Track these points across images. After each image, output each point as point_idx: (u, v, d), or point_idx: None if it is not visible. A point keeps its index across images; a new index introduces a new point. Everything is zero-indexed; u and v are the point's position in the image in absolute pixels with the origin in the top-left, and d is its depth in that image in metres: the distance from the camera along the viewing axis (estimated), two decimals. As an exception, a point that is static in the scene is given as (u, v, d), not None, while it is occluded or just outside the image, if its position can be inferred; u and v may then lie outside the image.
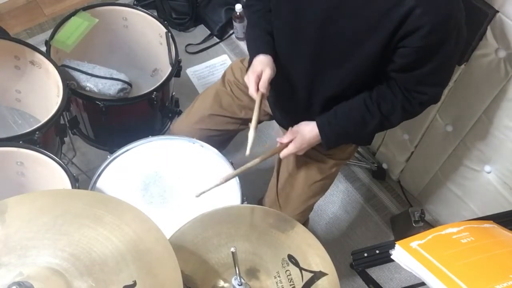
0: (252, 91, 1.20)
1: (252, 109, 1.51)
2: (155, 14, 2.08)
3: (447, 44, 1.04)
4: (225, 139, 1.61)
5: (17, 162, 1.38)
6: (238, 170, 1.22)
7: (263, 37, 1.27)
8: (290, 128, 1.29)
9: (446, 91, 1.54)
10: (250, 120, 1.54)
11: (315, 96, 1.25)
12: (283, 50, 1.25)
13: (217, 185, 1.17)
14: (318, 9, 1.10)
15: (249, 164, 1.21)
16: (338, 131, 1.24)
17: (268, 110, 1.48)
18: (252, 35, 1.32)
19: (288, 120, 1.38)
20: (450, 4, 1.01)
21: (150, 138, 1.42)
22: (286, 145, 1.25)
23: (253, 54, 1.25)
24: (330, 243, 1.89)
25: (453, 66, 1.15)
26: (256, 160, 1.21)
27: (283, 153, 1.25)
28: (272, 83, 1.20)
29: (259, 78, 1.19)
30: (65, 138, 1.61)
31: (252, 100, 1.50)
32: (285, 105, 1.37)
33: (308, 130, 1.25)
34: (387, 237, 1.95)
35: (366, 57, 1.10)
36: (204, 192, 1.16)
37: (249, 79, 1.21)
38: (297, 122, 1.29)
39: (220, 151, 1.41)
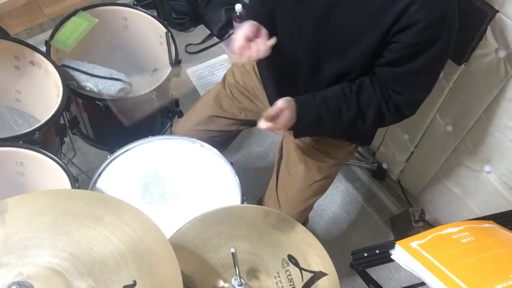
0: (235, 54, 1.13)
1: (251, 111, 1.52)
2: (155, 14, 2.08)
3: (437, 44, 1.05)
4: (225, 140, 1.61)
5: (17, 162, 1.38)
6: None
7: (251, 12, 1.28)
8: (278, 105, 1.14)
9: (446, 91, 1.54)
10: (249, 121, 1.55)
11: (314, 89, 1.25)
12: (285, 43, 1.25)
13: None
14: (318, 3, 1.11)
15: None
16: (314, 112, 1.17)
17: (267, 105, 1.47)
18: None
19: None
20: (446, 3, 1.02)
21: (150, 138, 1.42)
22: (272, 117, 1.12)
23: None
24: (330, 243, 1.89)
25: (437, 73, 1.15)
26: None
27: (262, 124, 1.10)
28: (274, 73, 1.18)
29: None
30: (65, 138, 1.61)
31: (252, 103, 1.50)
32: (285, 95, 1.35)
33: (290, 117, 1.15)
34: (387, 237, 1.95)
35: (361, 52, 1.11)
36: None
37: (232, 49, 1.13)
38: None
39: (221, 152, 1.41)
